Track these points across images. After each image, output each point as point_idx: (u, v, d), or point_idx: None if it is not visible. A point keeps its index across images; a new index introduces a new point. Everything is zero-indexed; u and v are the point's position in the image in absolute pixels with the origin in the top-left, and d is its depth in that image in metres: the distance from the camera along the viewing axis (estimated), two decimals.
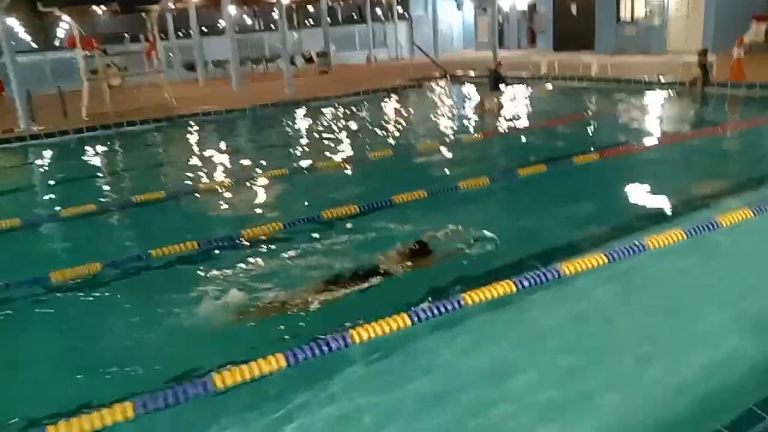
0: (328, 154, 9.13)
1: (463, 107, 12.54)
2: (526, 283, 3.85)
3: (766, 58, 12.07)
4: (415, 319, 3.52)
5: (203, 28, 29.55)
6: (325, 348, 3.30)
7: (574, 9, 23.04)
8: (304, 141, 10.81)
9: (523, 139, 9.36)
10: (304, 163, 8.42)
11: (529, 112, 11.64)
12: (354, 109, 13.99)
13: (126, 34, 31.07)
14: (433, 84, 17.14)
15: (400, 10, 32.42)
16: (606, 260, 4.17)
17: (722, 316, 3.62)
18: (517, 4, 26.77)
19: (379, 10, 32.14)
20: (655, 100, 11.71)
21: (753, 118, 9.34)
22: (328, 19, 27.12)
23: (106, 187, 8.16)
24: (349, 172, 7.97)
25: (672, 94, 11.97)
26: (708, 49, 12.28)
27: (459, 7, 31.25)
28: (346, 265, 4.50)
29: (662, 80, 12.63)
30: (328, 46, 23.63)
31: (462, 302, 3.66)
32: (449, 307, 3.64)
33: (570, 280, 3.99)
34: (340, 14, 36.12)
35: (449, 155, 8.43)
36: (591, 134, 9.42)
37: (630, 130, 9.42)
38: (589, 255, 4.20)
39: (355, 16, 36.01)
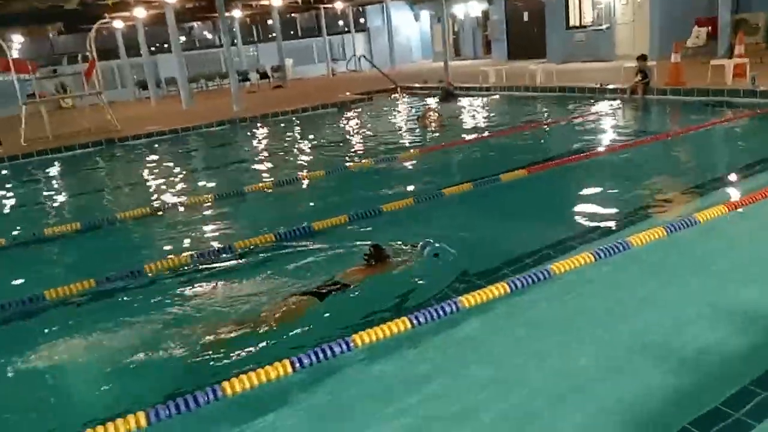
0: (260, 174, 8.99)
1: (406, 122, 12.40)
2: (422, 319, 3.69)
3: (707, 61, 12.13)
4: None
5: (156, 45, 29.29)
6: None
7: (526, 16, 23.21)
8: (237, 162, 10.61)
9: (457, 156, 9.22)
10: (231, 186, 8.18)
11: (469, 126, 11.55)
12: (296, 126, 13.86)
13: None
14: (384, 97, 17.07)
15: (362, 21, 32.46)
16: (508, 290, 4.03)
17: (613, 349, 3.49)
18: (471, 11, 26.88)
19: (341, 22, 32.11)
20: (595, 109, 11.71)
21: (690, 125, 9.34)
22: (284, 33, 27.02)
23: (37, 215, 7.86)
24: (271, 195, 7.75)
25: (613, 103, 12.00)
26: (647, 54, 12.38)
27: (416, 17, 31.34)
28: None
29: (605, 88, 12.67)
30: (282, 61, 23.46)
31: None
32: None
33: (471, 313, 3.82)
34: (299, 27, 35.95)
35: (380, 174, 8.29)
36: (524, 148, 9.33)
37: (563, 142, 9.37)
38: (490, 287, 4.02)
39: (316, 29, 35.94)
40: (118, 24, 22.49)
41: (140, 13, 19.10)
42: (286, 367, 3.21)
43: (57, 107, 19.66)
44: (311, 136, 12.59)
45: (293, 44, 31.84)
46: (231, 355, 3.55)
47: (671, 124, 10.19)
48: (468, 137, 10.28)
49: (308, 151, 10.93)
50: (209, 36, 42.14)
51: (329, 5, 26.57)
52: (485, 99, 14.80)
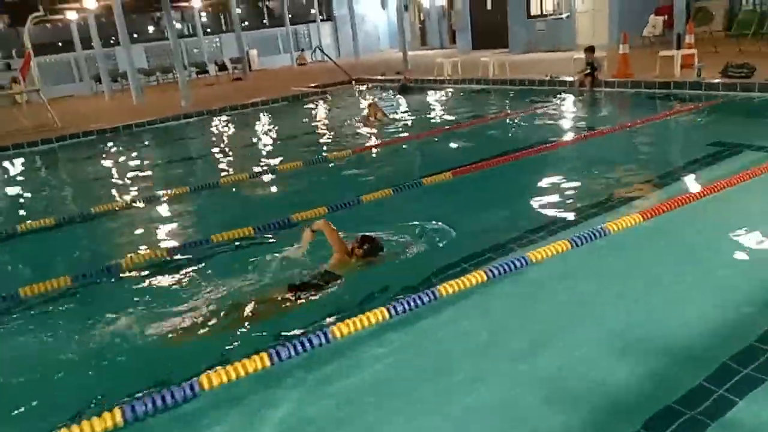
0: (178, 175, 8.68)
1: (350, 118, 12.01)
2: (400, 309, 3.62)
3: (663, 49, 11.86)
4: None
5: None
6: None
7: (489, 4, 22.84)
8: (173, 161, 10.24)
9: (390, 156, 8.89)
10: (158, 190, 7.82)
11: (411, 122, 11.20)
12: (239, 123, 13.47)
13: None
14: (339, 90, 16.68)
15: (330, 10, 31.89)
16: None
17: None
18: (436, 0, 26.47)
19: (314, 11, 31.52)
20: (541, 103, 11.42)
21: (633, 119, 9.10)
22: (252, 22, 26.45)
23: None
24: (192, 199, 7.41)
25: (562, 96, 11.73)
26: (594, 45, 12.11)
27: (383, 5, 30.84)
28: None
29: (554, 80, 12.41)
30: (243, 52, 22.90)
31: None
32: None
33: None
34: (267, 16, 35.27)
35: (308, 176, 7.97)
36: (462, 146, 9.05)
37: (498, 140, 9.07)
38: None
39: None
40: (72, 15, 21.81)
41: (90, 3, 18.47)
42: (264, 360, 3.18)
43: (12, 102, 19.03)
44: (249, 134, 12.26)
45: (258, 34, 31.26)
46: (211, 348, 3.57)
47: (614, 119, 9.90)
48: (404, 135, 9.95)
49: (240, 150, 10.60)
50: (178, 26, 41.34)
51: None
52: (438, 93, 14.47)
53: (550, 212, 5.52)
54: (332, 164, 8.45)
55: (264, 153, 9.92)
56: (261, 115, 14.05)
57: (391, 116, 11.48)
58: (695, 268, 4.19)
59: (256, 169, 8.38)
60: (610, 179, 6.36)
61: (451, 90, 14.56)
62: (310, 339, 3.37)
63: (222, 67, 23.40)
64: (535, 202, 5.88)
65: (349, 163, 8.44)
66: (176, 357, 3.59)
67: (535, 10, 20.07)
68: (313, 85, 16.83)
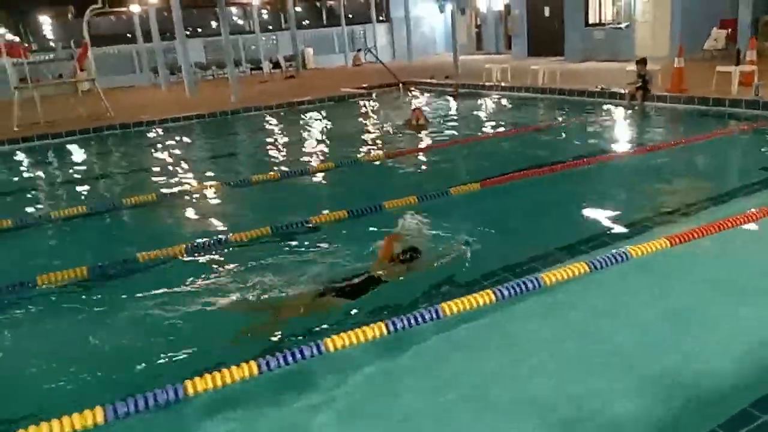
0: (216, 170, 8.78)
1: (392, 121, 11.92)
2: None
3: (725, 64, 11.30)
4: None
5: (187, 30, 29.28)
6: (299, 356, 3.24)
7: (547, 11, 22.39)
8: (211, 156, 10.40)
9: (422, 163, 8.72)
10: (183, 185, 7.94)
11: (454, 129, 11.02)
12: (283, 121, 13.59)
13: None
14: (386, 93, 16.62)
15: (387, 12, 31.92)
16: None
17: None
18: (493, 5, 26.11)
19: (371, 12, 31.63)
20: (590, 114, 11.09)
21: (682, 137, 8.74)
22: (309, 20, 26.69)
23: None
24: (224, 194, 7.48)
25: (611, 108, 11.33)
26: (654, 58, 11.66)
27: (441, 8, 30.60)
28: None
29: (605, 91, 12.01)
30: (296, 50, 23.16)
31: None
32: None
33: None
34: (325, 16, 35.58)
35: (337, 177, 7.95)
36: (501, 155, 8.85)
37: (541, 150, 8.80)
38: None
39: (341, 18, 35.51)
40: (135, 8, 22.51)
41: None
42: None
43: (74, 91, 19.75)
44: (290, 133, 12.37)
45: (315, 33, 31.55)
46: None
47: (661, 135, 9.47)
48: (447, 140, 9.81)
49: (278, 148, 10.71)
50: (240, 22, 42.19)
51: None
52: (485, 99, 14.23)
53: (581, 229, 5.30)
54: (365, 167, 8.40)
55: (299, 152, 9.94)
56: (306, 114, 14.11)
57: (435, 121, 11.37)
58: (720, 302, 3.92)
59: (285, 169, 8.41)
60: (646, 199, 6.08)
61: (497, 96, 14.30)
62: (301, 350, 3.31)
63: (276, 65, 23.66)
64: (566, 218, 5.68)
65: (381, 168, 8.38)
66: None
67: (593, 19, 19.53)
68: (361, 86, 16.81)
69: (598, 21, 19.39)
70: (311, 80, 21.21)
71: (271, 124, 13.42)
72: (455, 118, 12.22)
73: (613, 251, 4.32)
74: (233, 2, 27.82)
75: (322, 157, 9.20)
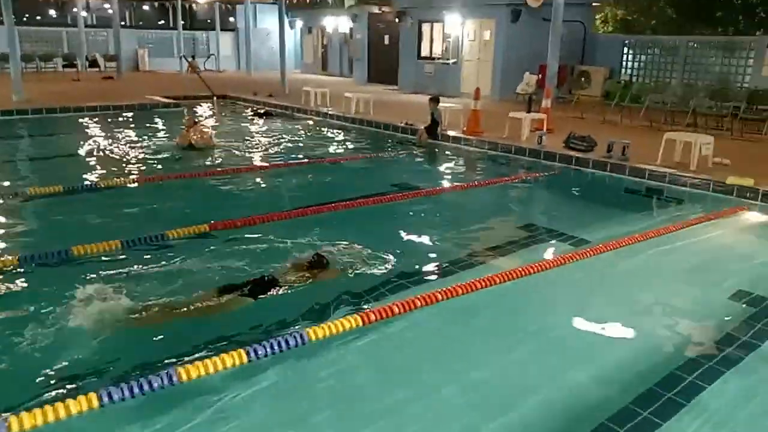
0: None
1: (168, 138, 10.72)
2: None
3: (514, 111, 11.32)
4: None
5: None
6: None
7: (387, 39, 22.29)
8: None
9: (164, 195, 7.61)
10: None
11: (241, 151, 10.06)
12: (59, 128, 11.94)
13: None
14: (197, 104, 15.40)
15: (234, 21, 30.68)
16: None
17: None
18: (340, 27, 25.73)
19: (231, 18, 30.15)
20: (386, 150, 10.60)
21: (452, 183, 8.38)
22: (151, 20, 24.75)
23: None
24: None
25: (404, 145, 10.88)
26: (439, 97, 11.39)
27: (292, 25, 29.81)
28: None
29: (407, 127, 11.64)
30: (118, 49, 21.22)
31: None
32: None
33: None
34: (171, 17, 33.54)
35: (66, 204, 6.71)
36: (268, 189, 8.01)
37: (302, 187, 8.06)
38: None
39: (189, 21, 33.64)
40: None
41: None
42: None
43: None
44: (40, 145, 10.80)
45: (155, 34, 29.67)
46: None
47: (434, 179, 8.90)
48: (216, 168, 8.79)
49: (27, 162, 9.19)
50: (84, 14, 38.82)
51: None
52: (294, 123, 13.45)
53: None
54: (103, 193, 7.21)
55: (29, 171, 8.52)
56: (89, 122, 12.54)
57: (223, 142, 10.38)
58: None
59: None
60: (387, 253, 5.41)
61: (310, 122, 13.59)
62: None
63: (93, 63, 21.57)
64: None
65: (121, 194, 7.23)
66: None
67: (425, 52, 19.57)
68: (168, 96, 15.45)
69: (429, 55, 19.43)
70: (131, 84, 19.47)
71: (30, 132, 11.64)
72: (249, 140, 11.26)
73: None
74: None
75: (52, 179, 7.81)
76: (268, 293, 4.25)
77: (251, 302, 4.13)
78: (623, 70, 17.76)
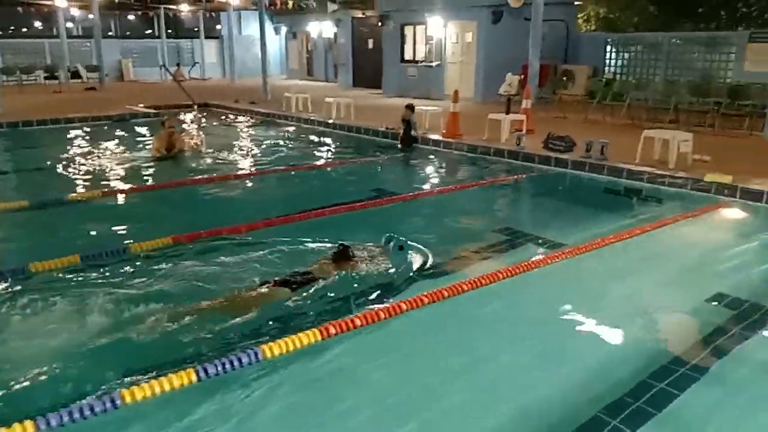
0: None
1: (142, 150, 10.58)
2: None
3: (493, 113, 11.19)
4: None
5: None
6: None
7: (371, 44, 22.21)
8: None
9: (136, 207, 7.46)
10: None
11: (225, 160, 9.97)
12: (31, 140, 11.78)
13: None
14: (175, 114, 15.24)
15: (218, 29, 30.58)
16: None
17: None
18: (324, 32, 25.63)
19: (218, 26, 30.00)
20: (356, 156, 10.46)
21: (430, 188, 8.25)
22: (135, 30, 24.63)
23: None
24: None
25: (384, 150, 10.74)
26: (413, 105, 11.13)
27: (276, 31, 29.70)
28: None
29: (388, 132, 11.53)
30: (100, 60, 21.07)
31: None
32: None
33: None
34: (155, 27, 33.36)
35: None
36: (244, 199, 7.89)
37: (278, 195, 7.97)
38: None
39: (173, 30, 33.49)
40: None
41: None
42: None
43: None
44: (23, 156, 10.63)
45: (139, 44, 29.52)
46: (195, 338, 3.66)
47: (409, 183, 8.65)
48: (198, 176, 8.65)
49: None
50: (69, 25, 38.59)
51: (171, 7, 24.47)
52: (275, 129, 13.33)
53: None
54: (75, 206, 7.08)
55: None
56: (66, 134, 12.39)
57: (206, 150, 10.29)
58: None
59: None
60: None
61: (291, 128, 13.47)
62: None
63: (75, 75, 21.40)
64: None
65: (89, 209, 7.09)
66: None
67: (409, 55, 19.48)
68: (148, 106, 15.31)
69: (412, 58, 19.35)
70: (114, 94, 19.30)
71: (13, 143, 11.52)
72: (230, 148, 11.12)
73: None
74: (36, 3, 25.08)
75: (21, 193, 7.67)
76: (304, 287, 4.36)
77: (288, 293, 4.27)
78: (607, 69, 17.71)
